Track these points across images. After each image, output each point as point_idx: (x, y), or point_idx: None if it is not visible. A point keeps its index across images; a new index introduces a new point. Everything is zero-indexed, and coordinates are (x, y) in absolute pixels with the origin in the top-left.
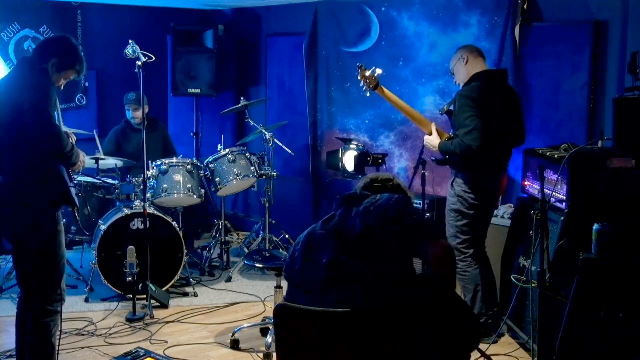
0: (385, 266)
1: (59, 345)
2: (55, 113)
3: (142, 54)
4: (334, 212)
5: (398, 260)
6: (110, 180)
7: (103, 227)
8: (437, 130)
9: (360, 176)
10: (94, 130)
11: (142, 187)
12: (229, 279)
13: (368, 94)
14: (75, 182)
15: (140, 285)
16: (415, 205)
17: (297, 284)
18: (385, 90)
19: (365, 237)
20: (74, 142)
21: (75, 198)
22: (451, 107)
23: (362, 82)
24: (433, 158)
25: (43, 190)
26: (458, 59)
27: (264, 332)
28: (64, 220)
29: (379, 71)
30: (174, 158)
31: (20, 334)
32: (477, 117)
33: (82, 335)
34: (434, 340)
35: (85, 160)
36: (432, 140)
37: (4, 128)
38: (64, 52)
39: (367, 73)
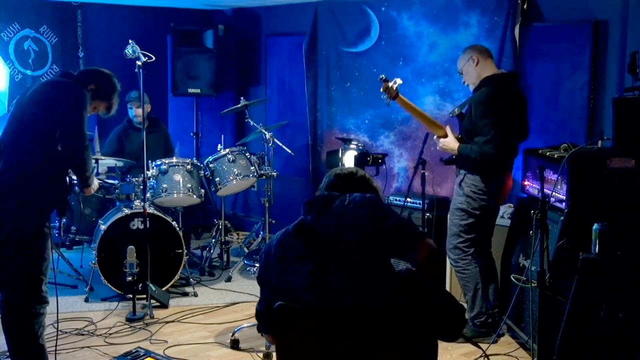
0: (365, 269)
1: (56, 345)
2: None
3: (142, 54)
4: (303, 217)
5: (377, 262)
6: (110, 180)
7: (103, 227)
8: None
9: None
10: (95, 130)
11: (142, 187)
12: (229, 279)
13: (388, 104)
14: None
15: (140, 285)
16: (392, 201)
17: (276, 292)
18: (405, 99)
19: (341, 242)
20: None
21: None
22: (463, 110)
23: (383, 93)
24: (442, 158)
25: (45, 196)
26: (467, 59)
27: None
28: (63, 220)
29: (399, 81)
30: (174, 158)
31: (8, 335)
32: (495, 124)
33: (82, 335)
34: (423, 331)
35: (96, 188)
36: (450, 143)
37: (25, 127)
38: (105, 84)
39: (390, 84)
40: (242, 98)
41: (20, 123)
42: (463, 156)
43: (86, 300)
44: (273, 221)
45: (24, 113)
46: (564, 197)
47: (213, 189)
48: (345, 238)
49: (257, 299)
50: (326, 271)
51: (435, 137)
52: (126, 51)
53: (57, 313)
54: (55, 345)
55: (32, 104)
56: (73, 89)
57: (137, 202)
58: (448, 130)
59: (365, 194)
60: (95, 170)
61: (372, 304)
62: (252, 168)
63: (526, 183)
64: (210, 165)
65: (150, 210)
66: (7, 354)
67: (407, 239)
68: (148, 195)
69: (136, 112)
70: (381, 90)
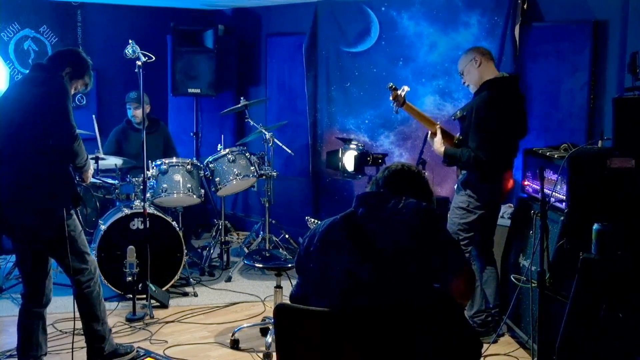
0: (401, 275)
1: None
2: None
3: (142, 54)
4: (354, 209)
5: (415, 272)
6: (110, 180)
7: (103, 227)
8: (443, 131)
9: (360, 176)
10: (93, 116)
11: (142, 187)
12: (229, 279)
13: (397, 112)
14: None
15: (140, 285)
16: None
17: (310, 279)
18: (412, 105)
19: (386, 245)
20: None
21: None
22: (465, 113)
23: (392, 102)
24: (443, 161)
25: (58, 192)
26: (470, 60)
27: (264, 332)
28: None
29: (406, 89)
30: (174, 158)
31: (22, 332)
32: (492, 130)
33: (82, 335)
34: (434, 349)
35: (92, 172)
36: (436, 143)
37: (18, 129)
38: (77, 63)
39: (399, 92)
40: (242, 98)
41: (11, 126)
42: (449, 158)
43: None
44: (273, 221)
45: (13, 116)
46: (564, 197)
47: (213, 189)
48: (391, 242)
49: (257, 299)
50: (362, 267)
51: (429, 133)
52: (126, 51)
53: (58, 313)
54: (58, 345)
55: (19, 105)
56: (52, 82)
57: (137, 202)
58: (438, 129)
59: (421, 202)
60: (89, 160)
61: (398, 309)
62: (252, 168)
63: (526, 183)
64: (210, 165)
65: (150, 210)
66: (8, 353)
67: (452, 260)
68: (148, 195)
69: (134, 113)
70: (390, 98)
